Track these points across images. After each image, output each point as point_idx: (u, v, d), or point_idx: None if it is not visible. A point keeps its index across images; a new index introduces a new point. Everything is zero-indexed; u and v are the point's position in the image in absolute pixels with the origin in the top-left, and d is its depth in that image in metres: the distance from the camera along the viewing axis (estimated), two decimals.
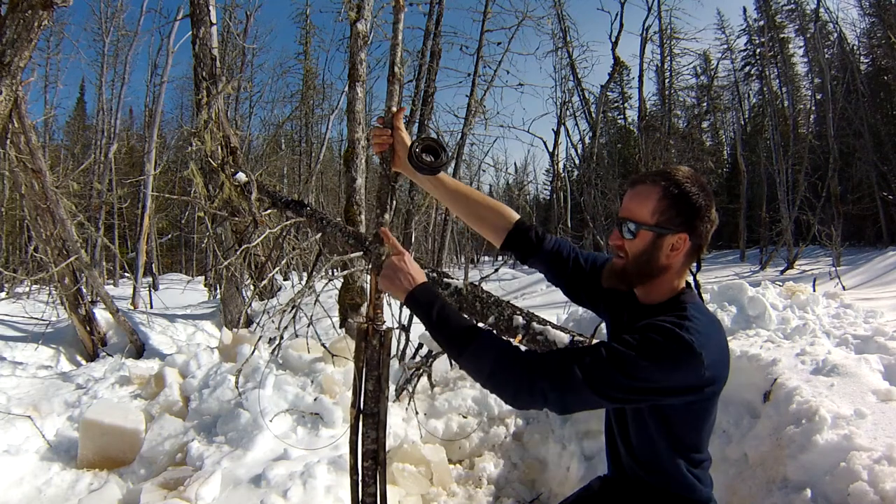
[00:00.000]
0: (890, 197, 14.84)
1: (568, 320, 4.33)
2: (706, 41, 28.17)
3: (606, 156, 18.80)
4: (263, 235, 4.85)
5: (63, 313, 5.46)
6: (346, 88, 5.57)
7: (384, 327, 1.27)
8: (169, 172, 18.14)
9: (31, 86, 12.63)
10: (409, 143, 1.22)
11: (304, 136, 18.03)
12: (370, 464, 1.22)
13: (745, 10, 22.35)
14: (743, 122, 21.79)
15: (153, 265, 13.65)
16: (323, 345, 3.89)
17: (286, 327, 3.76)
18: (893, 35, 14.57)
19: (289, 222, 4.66)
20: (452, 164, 11.61)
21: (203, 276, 13.40)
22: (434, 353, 3.69)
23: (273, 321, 4.81)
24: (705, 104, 20.84)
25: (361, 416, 1.24)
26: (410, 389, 3.54)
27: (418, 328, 3.70)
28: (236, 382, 3.42)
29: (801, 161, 14.74)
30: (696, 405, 0.97)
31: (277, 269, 5.14)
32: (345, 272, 4.61)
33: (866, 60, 19.02)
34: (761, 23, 20.33)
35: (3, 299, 6.73)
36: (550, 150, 20.06)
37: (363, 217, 4.67)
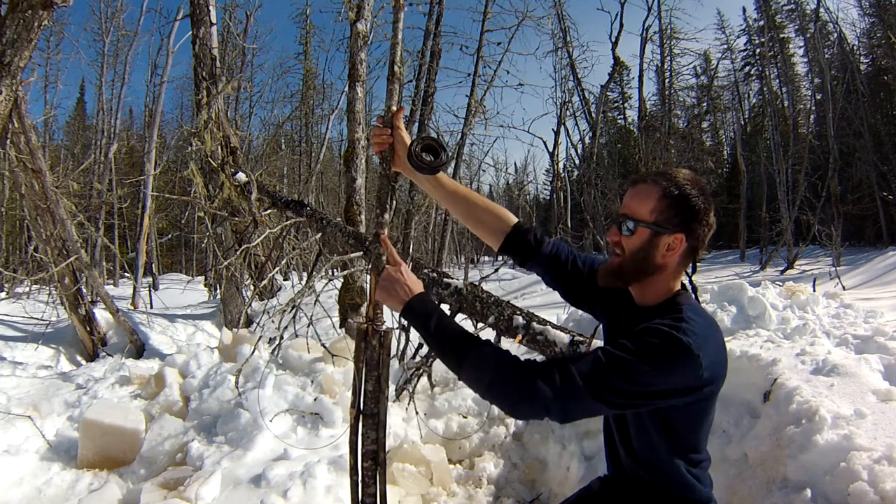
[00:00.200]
0: (890, 197, 14.84)
1: (568, 320, 4.33)
2: (706, 41, 28.22)
3: (606, 156, 18.81)
4: (263, 235, 4.85)
5: (63, 313, 5.46)
6: (346, 88, 5.57)
7: (384, 327, 1.27)
8: (169, 172, 18.14)
9: (31, 86, 12.64)
10: (408, 142, 1.22)
11: (304, 136, 18.04)
12: (370, 464, 1.22)
13: (744, 10, 22.39)
14: (743, 122, 21.79)
15: (153, 265, 13.65)
16: (323, 345, 3.89)
17: (286, 327, 3.76)
18: (893, 35, 14.57)
19: (289, 222, 4.66)
20: (452, 165, 11.62)
21: (203, 276, 13.40)
22: (434, 353, 3.69)
23: (273, 321, 4.81)
24: (705, 104, 20.84)
25: (361, 416, 1.24)
26: (410, 389, 3.53)
27: None
28: (236, 382, 3.42)
29: (801, 161, 14.74)
30: (695, 406, 0.97)
31: (277, 269, 5.14)
32: (345, 272, 4.61)
33: (866, 60, 19.02)
34: (761, 23, 20.32)
35: (3, 299, 6.73)
36: (550, 150, 20.10)
37: (363, 217, 4.67)
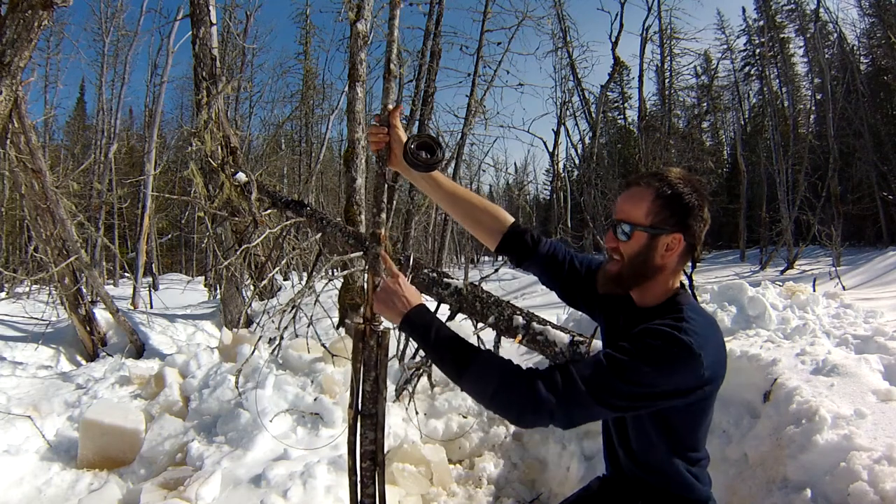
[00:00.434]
0: (890, 197, 14.83)
1: (568, 320, 4.33)
2: (706, 41, 28.19)
3: (606, 156, 18.82)
4: (263, 235, 4.85)
5: (63, 313, 5.46)
6: (346, 88, 5.57)
7: (381, 328, 1.26)
8: (169, 172, 18.14)
9: (31, 86, 12.64)
10: (405, 140, 1.21)
11: (304, 136, 18.04)
12: (368, 464, 1.21)
13: (744, 10, 22.38)
14: (743, 122, 21.77)
15: (153, 265, 13.65)
16: (323, 345, 3.89)
17: (286, 327, 3.76)
18: (893, 35, 14.56)
19: (289, 222, 4.66)
20: (452, 165, 11.62)
21: (203, 276, 13.40)
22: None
23: (273, 321, 4.81)
24: (705, 104, 20.83)
25: (359, 416, 1.23)
26: (410, 389, 3.53)
27: None
28: (236, 382, 3.42)
29: (801, 161, 14.73)
30: (695, 405, 0.97)
31: (277, 269, 5.15)
32: (345, 272, 4.61)
33: (866, 60, 19.00)
34: (761, 23, 20.31)
35: (3, 299, 6.73)
36: (550, 150, 20.13)
37: (363, 217, 4.66)
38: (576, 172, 22.03)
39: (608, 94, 20.27)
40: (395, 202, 9.64)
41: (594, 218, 14.98)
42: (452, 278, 3.41)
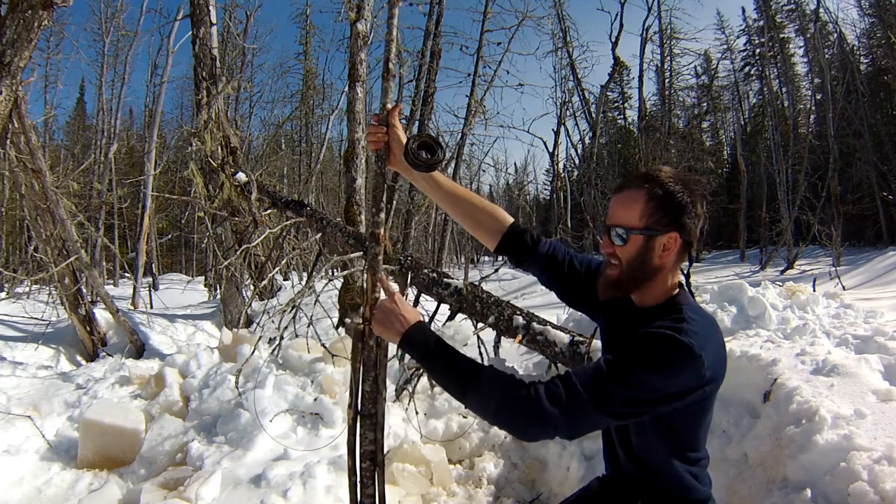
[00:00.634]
0: (890, 197, 14.83)
1: (568, 320, 4.33)
2: (706, 41, 28.24)
3: (606, 156, 18.84)
4: (263, 235, 4.85)
5: (63, 313, 5.46)
6: (346, 88, 5.57)
7: None
8: (169, 172, 18.14)
9: (31, 86, 12.64)
10: (404, 140, 1.21)
11: (304, 136, 18.04)
12: (368, 464, 1.21)
13: (744, 10, 22.38)
14: (743, 122, 21.78)
15: (153, 265, 13.65)
16: (323, 345, 3.89)
17: (286, 327, 3.76)
18: (893, 35, 14.56)
19: (289, 222, 4.66)
20: (452, 165, 11.62)
21: (203, 276, 13.39)
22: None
23: (273, 321, 4.81)
24: (705, 104, 20.84)
25: (359, 416, 1.23)
26: (410, 389, 3.53)
27: None
28: (236, 382, 3.42)
29: (801, 161, 14.74)
30: (695, 406, 0.97)
31: (277, 269, 5.15)
32: (345, 272, 4.61)
33: (866, 60, 19.01)
34: (761, 23, 20.31)
35: (3, 299, 6.73)
36: (550, 150, 20.14)
37: (363, 217, 4.66)
38: (576, 172, 22.06)
39: (608, 94, 20.29)
40: (395, 202, 9.65)
41: (594, 218, 14.99)
42: (452, 278, 3.42)
